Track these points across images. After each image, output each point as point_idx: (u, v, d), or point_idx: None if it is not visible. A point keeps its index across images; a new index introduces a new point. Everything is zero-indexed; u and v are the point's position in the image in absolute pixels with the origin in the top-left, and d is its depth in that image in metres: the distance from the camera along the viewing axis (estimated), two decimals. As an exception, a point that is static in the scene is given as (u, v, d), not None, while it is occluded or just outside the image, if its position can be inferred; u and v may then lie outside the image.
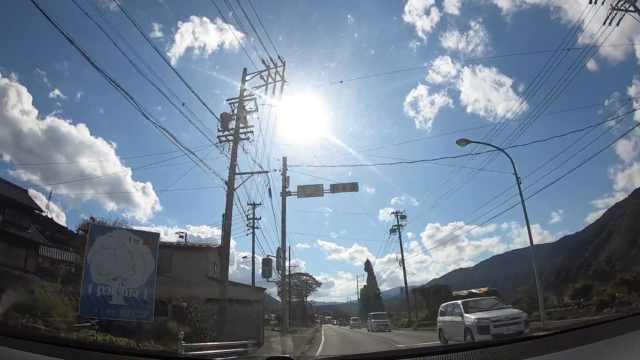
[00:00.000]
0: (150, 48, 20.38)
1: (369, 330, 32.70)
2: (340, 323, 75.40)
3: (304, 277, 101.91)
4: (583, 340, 1.66)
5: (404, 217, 40.07)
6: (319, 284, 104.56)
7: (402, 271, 36.83)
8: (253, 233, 34.81)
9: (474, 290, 41.38)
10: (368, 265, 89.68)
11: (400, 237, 38.87)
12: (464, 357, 1.68)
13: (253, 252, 34.22)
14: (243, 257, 34.01)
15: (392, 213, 40.49)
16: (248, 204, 35.63)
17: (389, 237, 40.28)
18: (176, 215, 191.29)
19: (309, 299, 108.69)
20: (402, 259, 37.34)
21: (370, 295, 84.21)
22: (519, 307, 19.95)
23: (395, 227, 39.93)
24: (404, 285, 37.82)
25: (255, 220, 35.40)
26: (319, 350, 16.53)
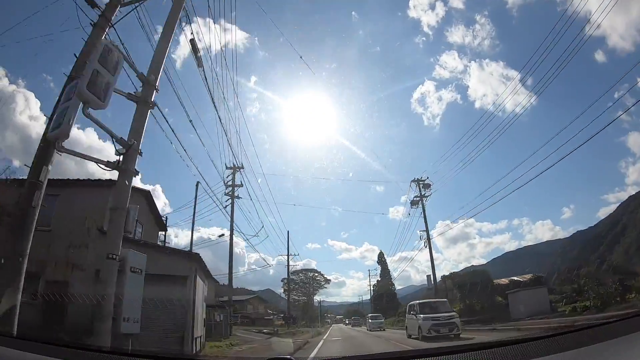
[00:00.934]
0: None
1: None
2: (354, 323, 59.88)
3: (312, 273, 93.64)
4: (585, 341, 1.64)
5: (427, 185, 31.46)
6: (328, 280, 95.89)
7: (429, 252, 28.29)
8: (232, 205, 26.80)
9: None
10: (381, 258, 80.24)
11: (423, 209, 30.33)
12: (464, 359, 1.70)
13: (232, 232, 26.11)
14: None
15: (413, 181, 31.95)
16: (227, 168, 27.76)
17: (409, 211, 31.75)
18: (187, 217, 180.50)
19: (319, 297, 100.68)
20: (428, 237, 28.82)
21: (385, 291, 75.26)
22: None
23: (417, 199, 31.37)
24: (415, 284, 29.36)
25: (236, 189, 27.40)
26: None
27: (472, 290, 27.22)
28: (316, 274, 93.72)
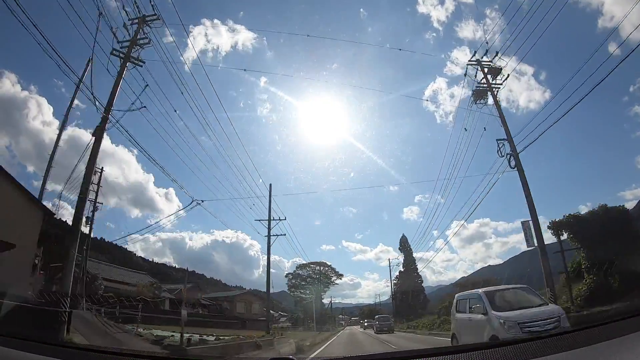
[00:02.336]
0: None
1: None
2: (381, 326, 35.67)
3: (320, 267, 79.43)
4: (587, 340, 1.62)
5: (496, 71, 17.22)
6: (339, 275, 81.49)
7: (519, 174, 14.09)
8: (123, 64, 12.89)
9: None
10: (404, 244, 64.85)
11: (497, 101, 16.14)
12: (465, 359, 1.67)
13: (105, 120, 12.30)
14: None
15: (470, 63, 17.78)
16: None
17: (469, 106, 17.61)
18: (200, 220, 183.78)
19: (330, 297, 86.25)
20: (513, 149, 14.51)
21: (409, 287, 60.22)
22: None
23: (481, 87, 17.23)
24: (431, 285, 18.89)
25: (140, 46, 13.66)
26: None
27: (610, 248, 12.83)
28: (326, 268, 79.49)
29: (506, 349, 1.71)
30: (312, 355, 10.85)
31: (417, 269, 61.84)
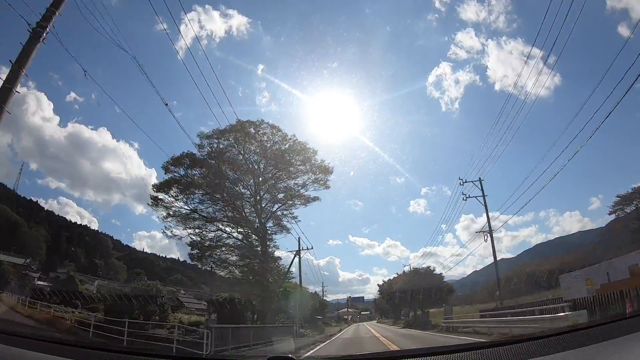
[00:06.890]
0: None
1: None
2: None
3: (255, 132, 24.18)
4: (585, 341, 1.61)
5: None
6: (326, 171, 26.57)
7: None
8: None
9: None
10: None
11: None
12: (465, 358, 1.67)
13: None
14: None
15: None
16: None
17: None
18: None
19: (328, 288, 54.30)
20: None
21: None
22: None
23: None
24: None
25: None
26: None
27: None
28: (277, 137, 25.47)
29: (504, 349, 1.68)
30: (309, 354, 11.67)
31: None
